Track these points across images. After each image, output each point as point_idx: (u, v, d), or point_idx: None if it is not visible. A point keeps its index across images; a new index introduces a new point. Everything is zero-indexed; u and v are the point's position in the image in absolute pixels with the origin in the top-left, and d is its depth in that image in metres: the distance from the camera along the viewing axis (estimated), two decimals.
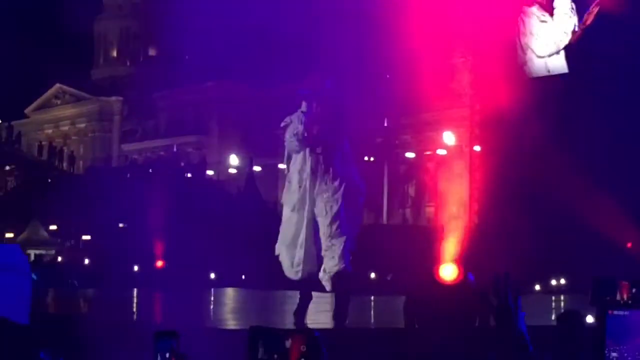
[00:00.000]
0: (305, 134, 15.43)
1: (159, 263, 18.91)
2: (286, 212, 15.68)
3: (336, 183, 15.39)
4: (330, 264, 15.22)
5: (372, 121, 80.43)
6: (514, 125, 39.91)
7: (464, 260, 12.05)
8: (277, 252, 15.67)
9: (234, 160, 74.57)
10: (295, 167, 15.64)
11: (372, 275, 31.98)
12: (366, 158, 72.23)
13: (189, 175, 76.91)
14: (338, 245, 15.15)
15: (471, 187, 41.28)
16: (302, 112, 15.66)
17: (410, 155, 71.47)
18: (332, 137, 15.62)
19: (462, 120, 69.67)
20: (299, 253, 15.23)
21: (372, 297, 20.52)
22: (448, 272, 11.43)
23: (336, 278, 15.13)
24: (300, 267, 15.21)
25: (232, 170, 74.56)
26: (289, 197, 15.62)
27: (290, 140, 15.74)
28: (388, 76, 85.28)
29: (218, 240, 37.15)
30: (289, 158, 15.84)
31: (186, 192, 64.95)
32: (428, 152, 72.67)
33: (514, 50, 42.82)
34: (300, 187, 15.36)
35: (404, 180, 70.57)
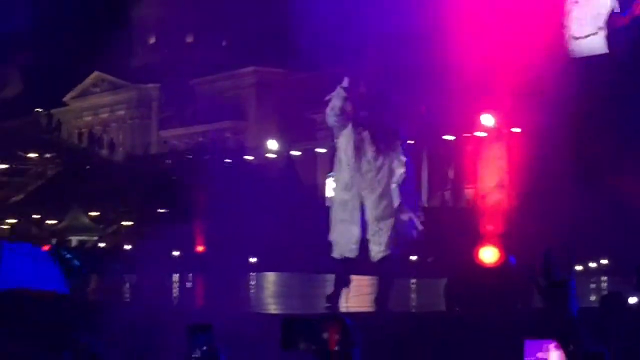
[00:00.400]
0: (342, 110, 15.15)
1: (200, 248, 18.98)
2: (338, 191, 15.26)
3: (379, 162, 15.06)
4: (376, 249, 14.78)
5: (411, 103, 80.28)
6: (554, 106, 39.61)
7: (505, 243, 11.96)
8: (330, 231, 15.15)
9: (272, 144, 74.60)
10: (342, 145, 15.32)
11: (413, 257, 31.92)
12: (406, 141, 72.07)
13: (228, 160, 77.05)
14: (385, 229, 14.73)
15: (510, 169, 41.07)
16: (342, 87, 15.37)
17: (449, 137, 71.18)
18: (375, 115, 15.32)
19: (501, 101, 69.39)
20: (356, 231, 14.77)
21: (414, 280, 20.47)
22: (489, 254, 11.35)
23: (381, 262, 14.70)
24: (356, 246, 14.73)
25: (271, 155, 74.62)
26: (340, 176, 15.23)
27: (329, 114, 15.46)
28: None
29: (258, 225, 37.19)
30: (337, 136, 15.48)
31: (225, 177, 65.11)
32: (467, 134, 72.34)
33: (554, 30, 42.43)
34: (348, 165, 15.01)
35: (443, 162, 70.28)
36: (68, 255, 19.91)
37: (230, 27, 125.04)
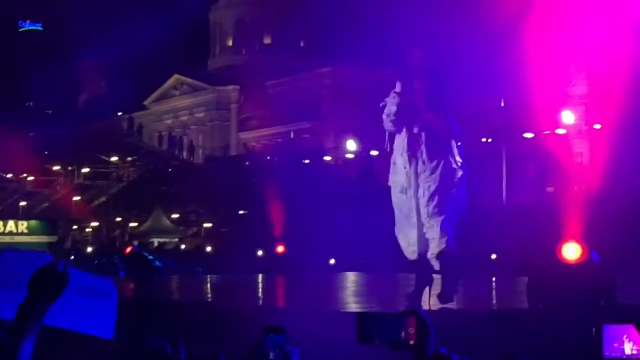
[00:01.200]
0: (397, 115, 15.37)
1: (280, 248, 19.08)
2: (395, 194, 15.65)
3: (434, 163, 15.26)
4: (432, 245, 15.10)
5: (488, 101, 79.73)
6: (635, 101, 39.02)
7: (587, 239, 11.84)
8: (396, 234, 15.63)
9: (351, 145, 74.64)
10: (398, 148, 15.63)
11: (493, 256, 31.72)
12: (484, 139, 71.63)
13: (307, 161, 77.31)
14: (436, 225, 15.01)
15: (592, 166, 40.62)
16: (395, 92, 15.61)
17: (528, 135, 70.58)
18: (428, 115, 15.46)
19: (581, 98, 68.63)
20: (412, 234, 15.17)
21: (494, 279, 20.36)
22: (571, 251, 11.24)
23: (441, 258, 14.98)
24: (415, 248, 15.13)
25: (350, 156, 74.63)
26: (396, 179, 15.61)
27: (385, 120, 15.73)
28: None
29: (337, 225, 37.24)
30: (392, 139, 15.78)
31: (304, 178, 65.30)
32: (547, 132, 71.69)
33: (636, 26, 41.83)
34: (405, 168, 15.33)
35: (522, 160, 69.69)
36: (150, 257, 20.18)
37: (308, 28, 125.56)
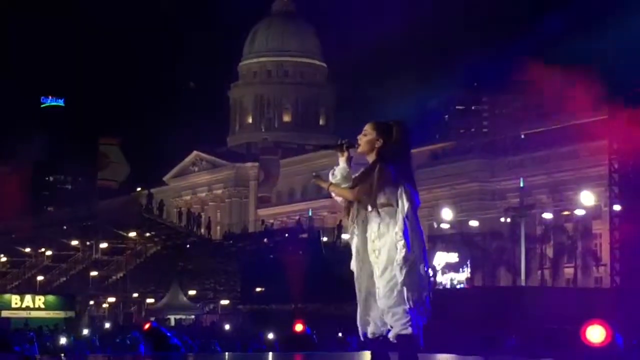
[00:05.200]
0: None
1: (298, 327, 19.00)
2: None
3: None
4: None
5: (508, 181, 79.81)
6: None
7: (611, 321, 11.71)
8: None
9: None
10: None
11: (513, 339, 31.39)
12: (502, 219, 71.54)
13: (325, 239, 77.16)
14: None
15: (612, 247, 40.38)
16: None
17: (547, 215, 70.43)
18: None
19: (600, 179, 68.52)
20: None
21: None
22: (596, 334, 11.13)
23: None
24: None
25: None
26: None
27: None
28: (523, 136, 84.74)
29: (354, 304, 36.89)
30: None
31: (322, 256, 65.11)
32: (566, 212, 71.56)
33: None
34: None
35: (541, 240, 69.47)
36: (168, 334, 20.06)
37: (326, 105, 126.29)
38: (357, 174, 8.78)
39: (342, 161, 8.82)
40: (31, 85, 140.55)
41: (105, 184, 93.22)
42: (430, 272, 8.89)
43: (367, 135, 8.74)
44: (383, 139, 8.68)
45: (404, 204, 8.58)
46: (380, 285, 8.65)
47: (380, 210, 8.64)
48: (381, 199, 8.62)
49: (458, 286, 62.77)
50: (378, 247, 8.66)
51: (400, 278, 8.54)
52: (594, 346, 11.12)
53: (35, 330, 42.25)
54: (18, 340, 30.16)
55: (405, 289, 8.54)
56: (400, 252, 8.53)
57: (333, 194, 8.92)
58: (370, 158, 8.75)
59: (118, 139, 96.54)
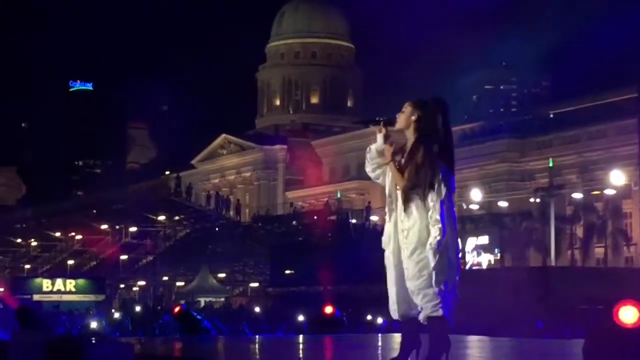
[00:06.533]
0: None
1: (328, 309, 18.94)
2: None
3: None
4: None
5: (537, 161, 79.44)
6: None
7: None
8: None
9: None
10: None
11: (543, 319, 31.25)
12: (532, 200, 71.23)
13: (354, 221, 77.16)
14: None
15: None
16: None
17: (577, 195, 70.10)
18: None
19: (630, 158, 68.09)
20: None
21: (547, 341, 20.08)
22: (629, 314, 10.98)
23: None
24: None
25: None
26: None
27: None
28: (552, 115, 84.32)
29: (383, 286, 36.82)
30: None
31: (351, 238, 65.11)
32: (595, 192, 71.17)
33: None
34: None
35: (571, 220, 69.13)
36: (199, 317, 20.08)
37: (353, 86, 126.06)
38: (399, 155, 8.75)
39: (379, 137, 8.83)
40: (59, 70, 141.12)
41: (132, 166, 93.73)
42: (460, 255, 8.83)
43: (404, 112, 8.76)
44: (418, 115, 8.68)
45: (441, 189, 8.54)
46: (410, 266, 8.61)
47: (411, 190, 8.61)
48: (414, 180, 8.59)
49: (487, 267, 62.63)
50: (407, 228, 8.63)
51: (432, 262, 8.48)
52: (627, 327, 10.98)
53: (66, 313, 42.53)
54: (52, 322, 30.28)
55: (435, 272, 8.50)
56: (436, 237, 8.49)
57: (372, 175, 8.91)
58: (408, 134, 8.75)
59: (146, 123, 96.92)
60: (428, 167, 8.56)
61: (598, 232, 69.54)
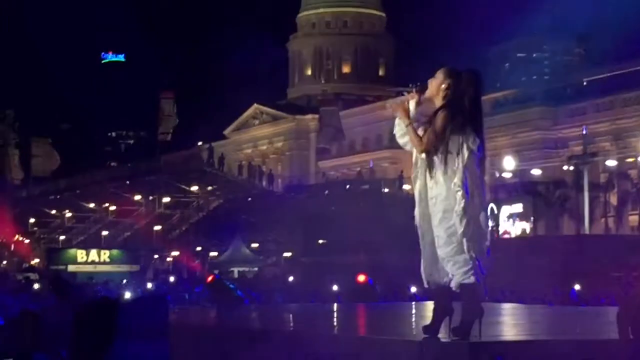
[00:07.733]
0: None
1: (361, 277, 19.03)
2: None
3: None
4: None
5: (570, 129, 78.97)
6: None
7: None
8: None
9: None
10: None
11: (577, 287, 31.26)
12: (565, 167, 70.89)
13: (386, 190, 77.09)
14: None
15: None
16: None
17: (611, 163, 69.69)
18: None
19: None
20: None
21: (581, 308, 20.02)
22: None
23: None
24: None
25: None
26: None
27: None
28: (585, 82, 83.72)
29: (417, 255, 36.81)
30: None
31: (384, 207, 65.09)
32: (630, 159, 70.75)
33: None
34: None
35: (605, 188, 68.78)
36: (232, 286, 20.16)
37: (385, 55, 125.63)
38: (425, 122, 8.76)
39: (412, 103, 8.83)
40: (92, 41, 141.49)
41: (163, 137, 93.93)
42: (491, 222, 8.82)
43: (436, 78, 8.74)
44: (449, 83, 8.67)
45: (463, 154, 8.52)
46: (439, 234, 8.60)
47: (437, 156, 8.60)
48: (440, 146, 8.58)
49: (521, 235, 62.42)
50: (435, 195, 8.62)
51: (460, 228, 8.47)
52: None
53: (101, 284, 42.83)
54: (86, 291, 30.50)
55: (465, 239, 8.48)
56: (460, 203, 8.47)
57: (401, 141, 8.90)
58: (438, 102, 8.74)
59: (173, 92, 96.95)
60: (447, 133, 8.54)
61: (632, 199, 69.19)
